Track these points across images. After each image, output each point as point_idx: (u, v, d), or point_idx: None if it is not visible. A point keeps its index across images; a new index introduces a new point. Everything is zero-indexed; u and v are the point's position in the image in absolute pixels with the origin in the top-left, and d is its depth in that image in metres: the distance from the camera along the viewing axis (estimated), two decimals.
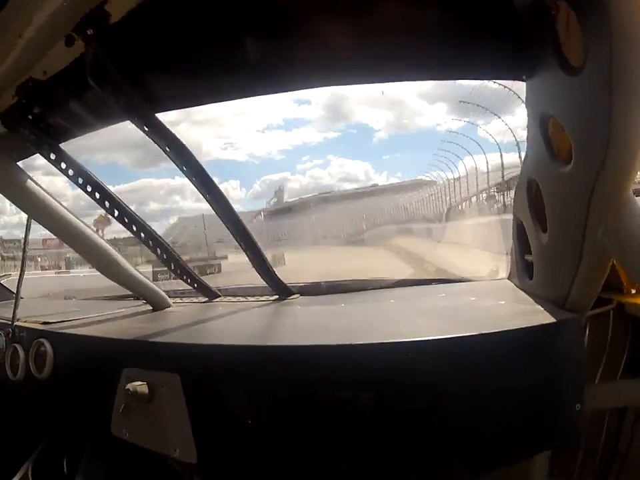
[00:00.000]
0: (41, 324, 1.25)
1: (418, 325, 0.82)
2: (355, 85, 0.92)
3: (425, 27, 0.77)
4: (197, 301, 1.58)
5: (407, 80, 0.90)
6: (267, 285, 1.43)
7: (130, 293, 1.55)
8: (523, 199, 0.91)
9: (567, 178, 0.67)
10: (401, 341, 0.72)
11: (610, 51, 0.48)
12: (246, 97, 0.94)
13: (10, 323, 1.29)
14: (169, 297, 1.46)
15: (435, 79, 0.88)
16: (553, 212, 0.77)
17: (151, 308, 1.43)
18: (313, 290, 1.54)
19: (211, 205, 1.07)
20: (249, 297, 1.54)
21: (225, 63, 0.84)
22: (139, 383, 0.86)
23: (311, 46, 0.81)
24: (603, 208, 0.60)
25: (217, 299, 1.56)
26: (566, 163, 0.67)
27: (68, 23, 0.68)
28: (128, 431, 0.91)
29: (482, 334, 0.72)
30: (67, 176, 1.03)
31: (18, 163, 1.07)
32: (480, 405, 0.70)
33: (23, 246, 1.42)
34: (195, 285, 1.46)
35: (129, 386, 0.85)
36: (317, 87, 0.91)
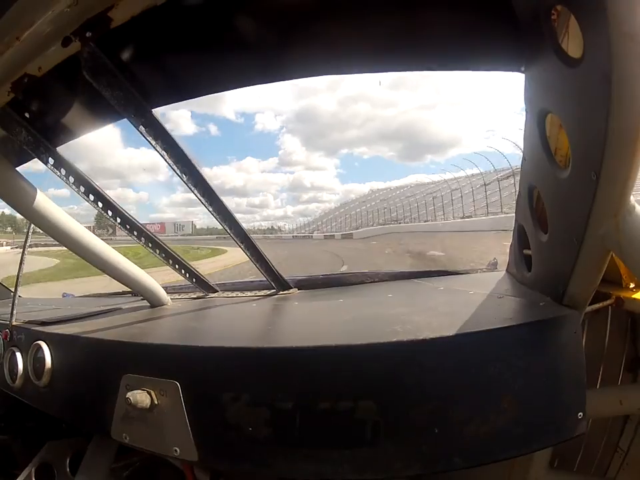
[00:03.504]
0: (39, 324, 1.25)
1: (417, 323, 0.81)
2: (353, 75, 0.90)
3: (420, 17, 0.76)
4: (195, 296, 1.58)
5: (404, 70, 0.90)
6: (264, 279, 1.43)
7: (128, 289, 1.55)
8: (524, 206, 0.90)
9: (566, 182, 0.66)
10: (400, 340, 0.72)
11: (609, 42, 0.46)
12: (245, 86, 0.92)
13: (7, 323, 1.28)
14: (167, 292, 1.46)
15: (430, 70, 0.87)
16: (553, 216, 0.76)
17: (149, 305, 1.43)
18: (310, 284, 1.55)
19: (205, 206, 1.06)
20: (246, 292, 1.54)
21: (221, 52, 0.83)
22: (139, 391, 0.85)
23: (311, 35, 0.80)
24: (603, 208, 0.59)
25: (215, 294, 1.56)
26: (564, 165, 0.66)
27: (68, 27, 0.66)
28: (128, 435, 0.90)
29: (483, 331, 0.71)
30: (66, 182, 1.03)
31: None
32: (480, 402, 0.70)
33: (22, 247, 1.39)
34: (194, 280, 1.46)
35: (129, 395, 0.84)
36: (315, 76, 0.90)
